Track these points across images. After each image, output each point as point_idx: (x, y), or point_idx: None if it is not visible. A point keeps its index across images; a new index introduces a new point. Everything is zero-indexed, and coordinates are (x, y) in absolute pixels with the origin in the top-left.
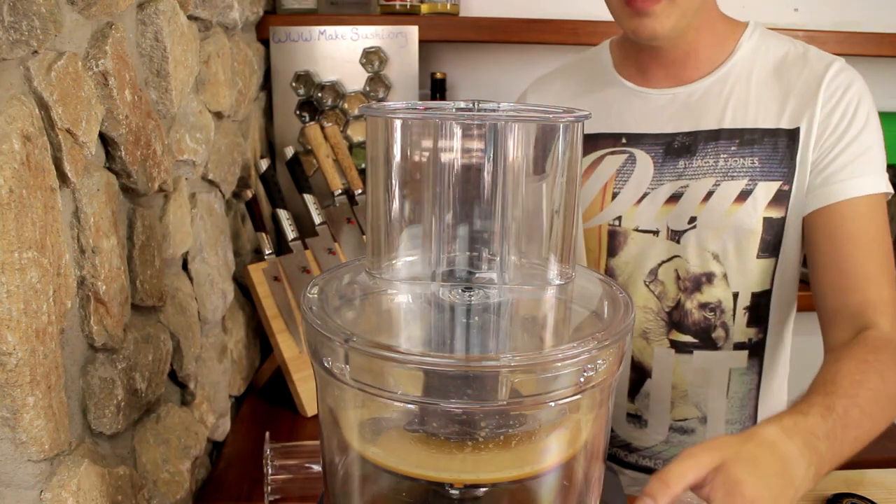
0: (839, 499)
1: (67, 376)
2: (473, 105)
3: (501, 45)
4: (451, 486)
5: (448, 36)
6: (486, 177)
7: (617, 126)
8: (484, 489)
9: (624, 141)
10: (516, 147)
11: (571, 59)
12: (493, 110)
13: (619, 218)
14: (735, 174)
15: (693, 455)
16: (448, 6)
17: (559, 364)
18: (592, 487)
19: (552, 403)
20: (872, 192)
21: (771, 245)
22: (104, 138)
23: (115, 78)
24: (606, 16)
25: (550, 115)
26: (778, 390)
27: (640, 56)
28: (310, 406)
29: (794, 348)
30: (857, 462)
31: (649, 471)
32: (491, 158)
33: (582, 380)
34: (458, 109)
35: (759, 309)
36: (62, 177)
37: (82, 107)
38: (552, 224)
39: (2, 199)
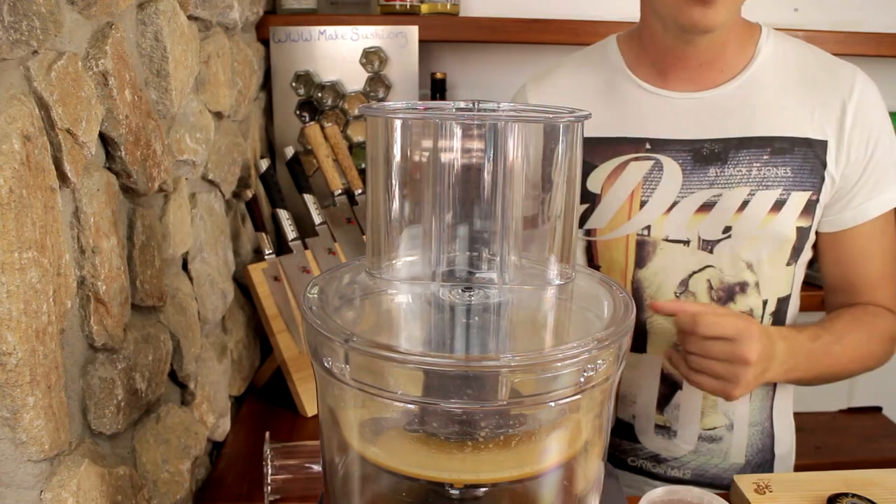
0: (839, 498)
1: (67, 376)
2: (473, 105)
3: (501, 45)
4: (451, 486)
5: (448, 36)
6: (486, 177)
7: (638, 130)
8: (484, 489)
9: (648, 146)
10: (516, 147)
11: (572, 55)
12: (493, 110)
13: (648, 227)
14: (769, 184)
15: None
16: (448, 6)
17: (559, 364)
18: (592, 487)
19: (552, 403)
20: (888, 208)
21: (798, 252)
22: (104, 138)
23: (115, 78)
24: (606, 16)
25: (551, 115)
26: (785, 389)
27: (663, 57)
28: (310, 406)
29: None
30: (857, 462)
31: (678, 481)
32: (491, 158)
33: (582, 380)
34: (458, 109)
35: (781, 313)
36: (62, 177)
37: (82, 107)
38: (552, 224)
39: (2, 199)
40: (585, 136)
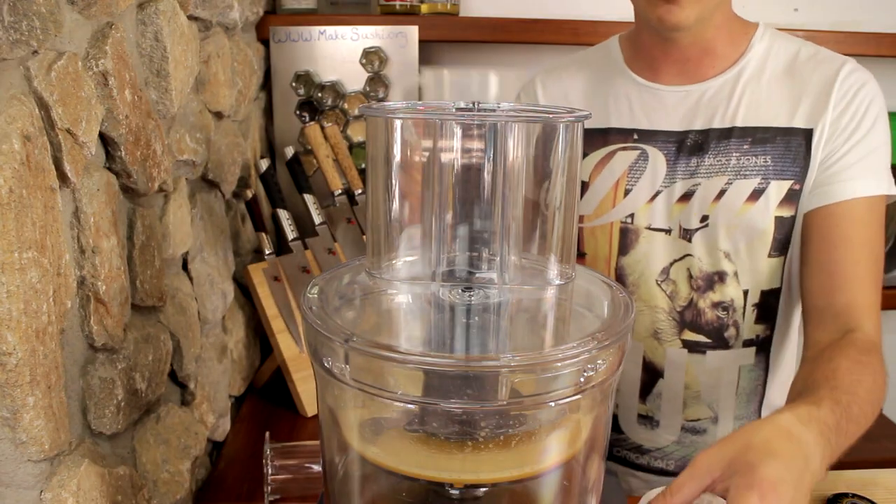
0: (839, 499)
1: (67, 376)
2: (473, 105)
3: (501, 45)
4: (451, 486)
5: (448, 36)
6: (486, 177)
7: (628, 122)
8: (484, 489)
9: (636, 137)
10: (516, 147)
11: (579, 53)
12: (493, 110)
13: (632, 215)
14: (748, 173)
15: (693, 464)
16: (448, 6)
17: (559, 364)
18: (592, 487)
19: (552, 403)
20: (872, 193)
21: (781, 244)
22: (104, 138)
23: (115, 78)
24: (606, 16)
25: (550, 115)
26: (783, 385)
27: (652, 52)
28: (310, 406)
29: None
30: (857, 462)
31: (662, 472)
32: (491, 158)
33: (582, 380)
34: (458, 109)
35: (768, 306)
36: (62, 177)
37: (82, 107)
38: (552, 223)
39: (2, 199)
40: None
